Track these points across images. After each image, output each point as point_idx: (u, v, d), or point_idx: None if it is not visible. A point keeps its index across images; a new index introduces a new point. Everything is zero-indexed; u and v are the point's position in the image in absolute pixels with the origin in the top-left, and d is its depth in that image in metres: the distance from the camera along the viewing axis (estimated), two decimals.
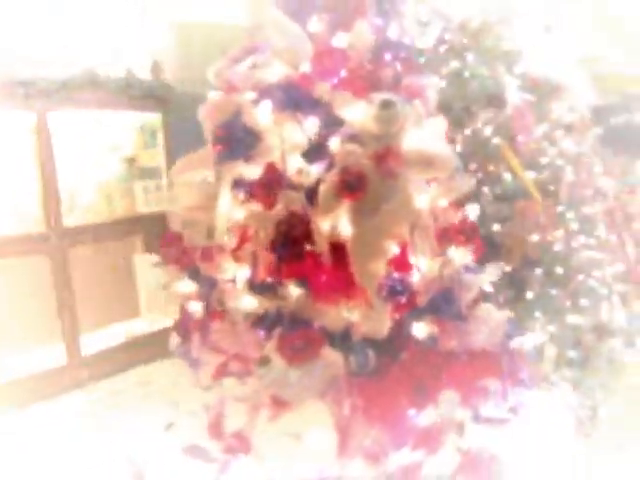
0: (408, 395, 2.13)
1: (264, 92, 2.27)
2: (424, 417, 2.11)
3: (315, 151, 2.15)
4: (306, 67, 2.23)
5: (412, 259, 2.16)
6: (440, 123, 2.24)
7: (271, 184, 2.12)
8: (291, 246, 2.06)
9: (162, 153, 4.41)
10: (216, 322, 2.33)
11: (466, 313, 2.20)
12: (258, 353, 2.20)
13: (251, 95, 2.32)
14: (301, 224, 2.05)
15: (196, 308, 2.38)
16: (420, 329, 2.15)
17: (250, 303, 2.14)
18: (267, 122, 2.23)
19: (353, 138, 2.12)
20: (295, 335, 2.09)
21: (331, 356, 2.08)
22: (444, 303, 2.18)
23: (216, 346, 2.33)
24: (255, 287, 2.15)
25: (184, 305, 2.43)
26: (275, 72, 2.26)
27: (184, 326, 2.42)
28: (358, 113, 2.13)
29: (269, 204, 2.12)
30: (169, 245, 2.50)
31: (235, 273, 2.30)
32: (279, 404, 2.12)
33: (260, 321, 2.20)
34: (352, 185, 2.07)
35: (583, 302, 2.97)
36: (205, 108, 2.50)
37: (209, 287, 2.38)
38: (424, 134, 2.19)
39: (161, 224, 2.80)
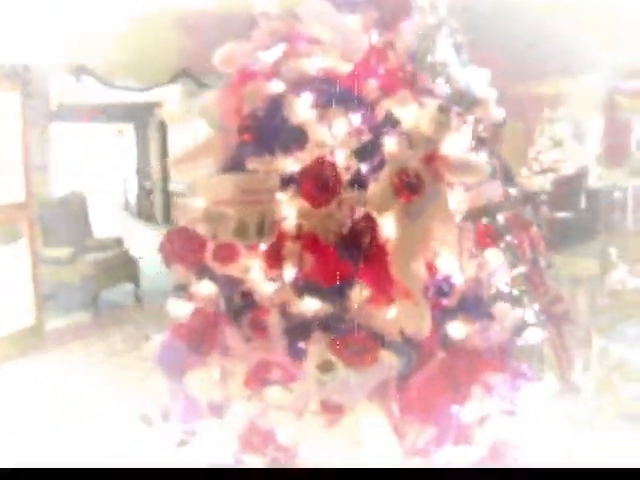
0: (447, 392, 2.20)
1: (301, 84, 2.17)
2: (465, 413, 2.20)
3: (367, 150, 2.11)
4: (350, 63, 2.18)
5: (453, 261, 2.22)
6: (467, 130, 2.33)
7: (327, 182, 2.04)
8: (360, 248, 2.01)
9: None
10: (242, 328, 2.20)
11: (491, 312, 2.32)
12: (298, 359, 2.13)
13: (279, 85, 2.22)
14: (370, 225, 2.01)
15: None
16: (457, 329, 2.22)
17: (312, 305, 2.04)
18: (309, 116, 2.15)
19: (405, 139, 2.13)
20: (354, 338, 2.05)
21: (388, 358, 2.08)
22: (475, 303, 2.28)
23: (241, 353, 2.19)
24: (315, 289, 2.06)
25: (199, 309, 2.24)
26: (316, 64, 2.18)
27: (197, 332, 2.22)
28: (411, 114, 2.14)
29: (324, 202, 2.05)
30: (174, 242, 2.28)
31: (259, 273, 2.20)
32: (332, 410, 2.06)
33: (299, 326, 2.12)
34: (412, 186, 2.08)
35: None
36: (220, 94, 2.33)
37: (230, 288, 2.22)
38: (460, 140, 2.26)
39: None
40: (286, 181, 2.11)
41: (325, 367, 1.99)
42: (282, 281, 2.14)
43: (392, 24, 2.22)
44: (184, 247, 2.26)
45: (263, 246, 2.21)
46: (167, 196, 13.83)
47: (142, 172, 15.01)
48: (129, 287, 8.02)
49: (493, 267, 2.31)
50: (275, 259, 2.14)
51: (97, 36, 7.68)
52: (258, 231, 2.10)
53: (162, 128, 13.60)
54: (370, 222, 2.02)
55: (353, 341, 2.04)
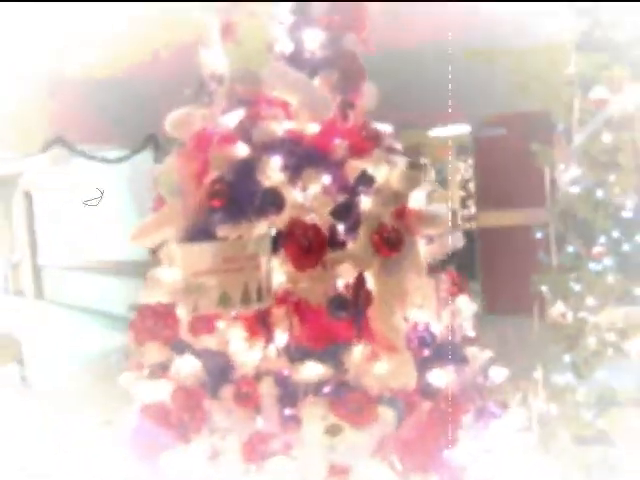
0: (438, 439, 2.22)
1: (269, 147, 2.17)
2: (456, 456, 2.22)
3: (343, 209, 2.13)
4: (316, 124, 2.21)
5: (431, 311, 2.27)
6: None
7: (311, 245, 2.03)
8: (351, 307, 2.01)
9: None
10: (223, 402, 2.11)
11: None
12: (290, 427, 2.07)
13: (244, 149, 2.20)
14: (361, 283, 2.02)
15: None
16: (438, 376, 2.26)
17: (314, 371, 1.99)
18: (281, 178, 2.14)
19: (379, 196, 2.18)
20: (350, 398, 2.02)
21: (385, 414, 2.07)
22: (450, 349, 2.33)
23: (229, 428, 2.10)
24: (308, 353, 2.01)
25: (181, 387, 2.11)
26: (284, 126, 2.18)
27: (182, 412, 2.10)
28: (382, 172, 2.19)
29: (311, 265, 2.04)
30: (147, 319, 2.16)
31: (240, 343, 2.13)
32: (339, 472, 2.01)
33: (292, 392, 2.07)
34: (391, 242, 2.12)
35: None
36: (175, 161, 2.27)
37: (212, 362, 2.13)
38: (421, 193, 2.35)
39: None
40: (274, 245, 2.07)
41: (333, 431, 1.95)
42: (270, 348, 2.08)
43: (353, 85, 2.29)
44: (158, 323, 2.14)
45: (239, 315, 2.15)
46: (37, 270, 13.11)
47: (8, 245, 14.11)
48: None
49: (465, 314, 2.39)
50: (260, 326, 2.08)
51: None
52: (243, 299, 2.04)
53: (27, 198, 12.94)
54: (362, 281, 2.03)
55: (350, 401, 2.02)
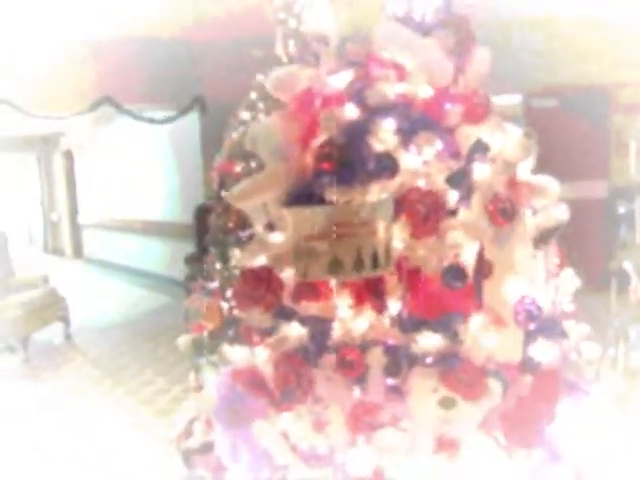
0: (541, 414, 2.18)
1: (381, 110, 2.10)
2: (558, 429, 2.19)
3: (459, 177, 2.07)
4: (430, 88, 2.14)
5: (538, 284, 2.22)
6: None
7: (429, 212, 1.98)
8: (471, 277, 1.96)
9: None
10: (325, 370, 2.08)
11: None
12: (398, 397, 2.04)
13: (354, 111, 2.14)
14: (482, 253, 1.97)
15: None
16: (541, 351, 2.21)
17: (433, 341, 1.95)
18: (394, 142, 2.08)
19: (493, 165, 2.11)
20: (462, 370, 1.99)
21: (494, 387, 2.03)
22: (552, 324, 2.28)
23: (333, 397, 2.07)
24: (421, 323, 1.98)
25: (286, 353, 2.09)
26: (397, 89, 2.11)
27: (286, 380, 2.07)
28: (498, 141, 2.12)
29: (429, 233, 1.99)
30: (251, 283, 2.13)
31: (347, 310, 2.09)
32: (447, 446, 1.99)
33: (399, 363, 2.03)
34: (505, 212, 2.06)
35: None
36: (280, 118, 2.22)
37: (319, 329, 2.10)
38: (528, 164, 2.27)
39: None
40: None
41: (447, 403, 1.92)
42: (380, 317, 2.04)
43: (466, 50, 2.20)
44: (262, 288, 2.11)
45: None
46: (76, 229, 13.21)
47: (47, 204, 14.22)
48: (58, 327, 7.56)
49: (568, 288, 2.33)
50: (371, 294, 2.04)
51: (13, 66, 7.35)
52: (356, 266, 2.00)
53: (68, 158, 12.98)
54: (482, 251, 1.97)
55: (462, 373, 1.98)
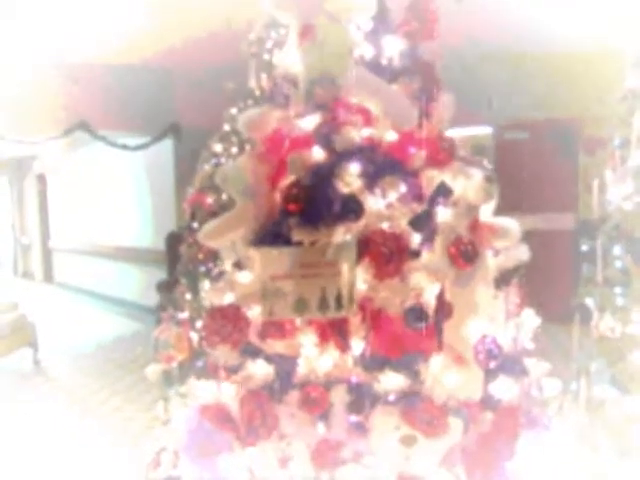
0: (500, 451, 2.23)
1: (347, 153, 2.16)
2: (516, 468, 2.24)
3: (422, 219, 2.13)
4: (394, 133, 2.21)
5: (498, 324, 2.28)
6: None
7: (393, 254, 2.03)
8: (432, 318, 2.01)
9: None
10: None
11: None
12: (361, 434, 2.07)
13: (320, 153, 2.19)
14: (442, 295, 2.02)
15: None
16: (501, 388, 2.26)
17: (395, 381, 1.99)
18: (358, 185, 2.14)
19: (456, 208, 2.18)
20: (423, 408, 2.03)
21: (455, 424, 2.07)
22: (512, 362, 2.34)
23: (297, 434, 2.10)
24: (384, 362, 2.02)
25: (252, 391, 2.11)
26: (363, 133, 2.18)
27: (253, 415, 2.09)
28: (459, 184, 2.19)
29: (392, 274, 2.04)
30: (218, 320, 2.16)
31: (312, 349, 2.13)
32: None
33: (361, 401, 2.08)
34: (467, 254, 2.12)
35: None
36: (251, 159, 2.27)
37: (284, 367, 2.13)
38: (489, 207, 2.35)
39: None
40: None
41: (408, 441, 1.96)
42: (344, 356, 2.08)
43: (431, 95, 2.28)
44: (229, 326, 2.14)
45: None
46: (47, 253, 13.09)
47: (18, 227, 14.08)
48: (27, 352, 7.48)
49: (528, 326, 2.39)
50: (335, 333, 2.08)
51: None
52: (320, 306, 2.05)
53: (41, 181, 12.91)
54: (443, 293, 2.03)
55: (424, 411, 2.02)
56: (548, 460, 2.50)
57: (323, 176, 2.14)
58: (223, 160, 4.47)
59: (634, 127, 3.04)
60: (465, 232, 2.17)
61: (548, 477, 2.43)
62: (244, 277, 2.17)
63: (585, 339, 3.34)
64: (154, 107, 8.36)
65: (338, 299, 2.03)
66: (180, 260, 5.01)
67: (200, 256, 4.50)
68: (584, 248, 3.46)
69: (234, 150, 4.48)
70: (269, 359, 2.13)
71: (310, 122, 2.24)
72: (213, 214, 4.56)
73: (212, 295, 2.32)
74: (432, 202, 2.15)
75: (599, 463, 3.08)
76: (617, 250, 3.30)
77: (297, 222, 2.13)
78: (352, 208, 2.09)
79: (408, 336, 2.05)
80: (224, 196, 4.49)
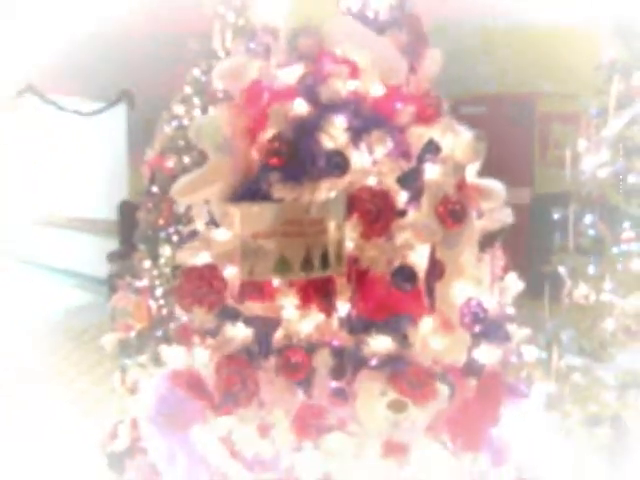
0: (485, 416, 2.18)
1: (333, 106, 2.05)
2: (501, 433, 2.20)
3: (410, 177, 2.04)
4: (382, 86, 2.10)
5: (485, 287, 2.21)
6: None
7: (381, 212, 1.94)
8: (414, 278, 1.93)
9: None
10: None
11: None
12: (344, 400, 1.99)
13: (303, 106, 2.07)
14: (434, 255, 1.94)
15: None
16: (486, 354, 2.21)
17: (383, 345, 1.90)
18: (344, 140, 2.03)
19: (444, 166, 2.09)
20: (411, 373, 1.95)
21: (442, 390, 2.01)
22: (496, 327, 2.28)
23: (278, 400, 2.00)
24: (370, 325, 1.93)
25: (230, 356, 1.99)
26: (349, 86, 2.06)
27: (232, 381, 1.98)
28: (448, 142, 2.10)
29: (379, 233, 1.94)
30: (193, 282, 2.03)
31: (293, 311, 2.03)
32: (396, 450, 1.95)
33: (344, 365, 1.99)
34: (456, 214, 2.04)
35: None
36: (228, 111, 2.13)
37: (265, 330, 2.02)
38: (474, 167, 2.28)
39: None
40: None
41: (397, 406, 1.88)
42: (328, 318, 1.99)
43: (419, 50, 2.18)
44: (205, 287, 2.01)
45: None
46: None
47: None
48: None
49: (512, 291, 2.34)
50: (319, 295, 1.98)
51: None
52: (304, 265, 1.94)
53: None
54: (434, 252, 1.95)
55: (411, 376, 1.95)
56: (526, 427, 2.49)
57: (307, 129, 2.03)
58: (185, 122, 4.30)
59: (611, 96, 3.00)
60: (452, 191, 2.09)
61: (528, 443, 2.41)
62: (221, 235, 2.04)
63: (556, 308, 3.34)
64: (108, 73, 8.05)
65: (324, 258, 1.93)
66: (137, 227, 4.82)
67: (160, 221, 4.33)
68: (556, 217, 3.44)
69: (196, 112, 4.31)
70: (248, 322, 2.02)
71: (293, 73, 2.12)
72: (174, 177, 4.40)
73: (185, 255, 2.18)
74: (420, 159, 2.06)
75: (569, 429, 3.10)
76: (589, 219, 3.29)
77: (278, 177, 2.01)
78: (337, 163, 1.98)
79: (395, 297, 1.96)
80: (186, 159, 4.34)
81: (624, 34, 3.10)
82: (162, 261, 4.26)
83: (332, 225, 1.92)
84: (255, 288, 2.03)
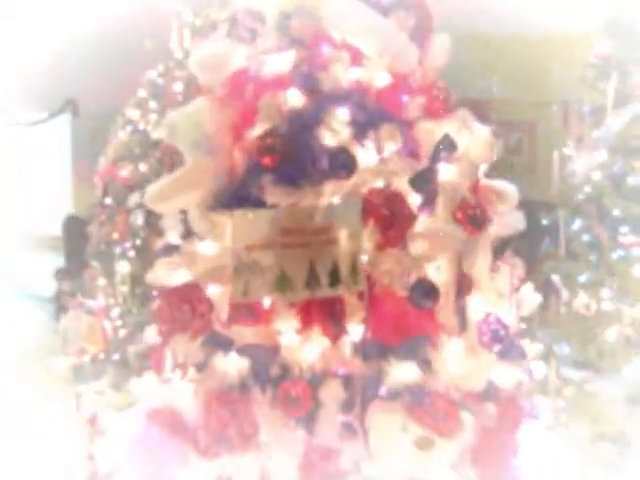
0: (506, 446, 1.93)
1: (333, 97, 1.78)
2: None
3: (424, 178, 1.78)
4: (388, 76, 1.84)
5: (503, 301, 1.97)
6: None
7: (397, 219, 1.67)
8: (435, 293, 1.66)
9: None
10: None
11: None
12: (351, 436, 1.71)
13: (299, 97, 1.79)
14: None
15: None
16: (504, 376, 1.96)
17: (408, 374, 1.62)
18: (347, 135, 1.76)
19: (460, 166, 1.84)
20: (433, 403, 1.69)
21: (467, 420, 1.75)
22: (512, 343, 2.04)
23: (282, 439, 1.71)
24: (394, 351, 1.65)
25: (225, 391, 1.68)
26: (353, 75, 1.80)
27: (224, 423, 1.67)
28: (464, 139, 1.85)
29: (395, 243, 1.67)
30: (174, 304, 1.71)
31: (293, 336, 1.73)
32: None
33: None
34: (476, 220, 1.79)
35: None
36: (209, 104, 1.84)
37: (263, 360, 1.71)
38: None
39: None
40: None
41: (424, 443, 1.61)
42: (335, 344, 1.70)
43: (426, 35, 1.93)
44: (188, 310, 1.70)
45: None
46: None
47: None
48: None
49: (529, 305, 2.10)
50: (325, 317, 1.69)
51: None
52: (308, 283, 1.65)
53: None
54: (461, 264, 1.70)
55: (434, 407, 1.68)
56: (539, 451, 2.27)
57: (304, 124, 1.75)
58: (141, 127, 3.96)
59: (608, 94, 2.83)
60: (468, 194, 1.85)
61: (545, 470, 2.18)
62: (207, 248, 1.73)
63: (550, 317, 3.14)
64: (51, 80, 7.59)
65: (333, 274, 1.64)
66: (87, 242, 4.44)
67: (115, 235, 3.96)
68: (544, 222, 3.26)
69: (153, 117, 3.98)
70: (241, 351, 1.71)
71: (284, 60, 1.84)
72: (130, 188, 4.06)
73: (160, 273, 1.86)
74: (434, 158, 1.81)
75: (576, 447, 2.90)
76: (578, 223, 3.12)
77: (272, 180, 1.73)
78: (343, 162, 1.71)
79: (412, 317, 1.70)
80: (142, 167, 3.99)
81: (617, 30, 2.94)
82: (118, 278, 3.90)
83: (343, 234, 1.64)
84: (246, 309, 1.73)
